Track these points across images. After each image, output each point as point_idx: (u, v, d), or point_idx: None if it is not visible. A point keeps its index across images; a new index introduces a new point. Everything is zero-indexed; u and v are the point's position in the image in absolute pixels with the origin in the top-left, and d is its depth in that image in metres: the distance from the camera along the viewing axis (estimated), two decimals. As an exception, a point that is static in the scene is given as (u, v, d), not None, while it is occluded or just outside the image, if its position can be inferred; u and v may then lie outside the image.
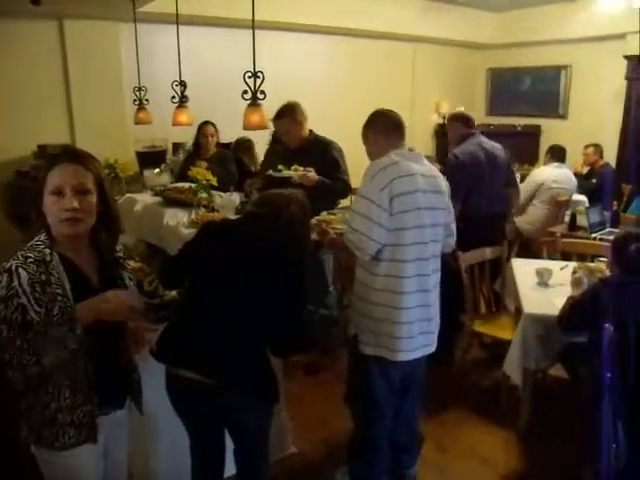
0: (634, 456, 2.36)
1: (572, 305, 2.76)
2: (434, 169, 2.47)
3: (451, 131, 3.96)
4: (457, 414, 3.40)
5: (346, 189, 3.76)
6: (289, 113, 3.69)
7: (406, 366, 2.42)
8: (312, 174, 3.51)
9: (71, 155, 1.65)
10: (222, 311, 1.97)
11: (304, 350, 2.36)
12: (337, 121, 5.87)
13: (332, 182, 3.61)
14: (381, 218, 2.23)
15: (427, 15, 7.28)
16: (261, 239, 2.05)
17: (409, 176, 2.28)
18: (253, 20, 2.88)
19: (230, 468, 2.26)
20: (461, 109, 3.57)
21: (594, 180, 6.00)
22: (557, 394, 3.48)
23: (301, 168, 3.54)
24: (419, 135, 8.14)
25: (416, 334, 2.35)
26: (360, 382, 2.49)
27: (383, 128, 2.43)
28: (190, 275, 2.13)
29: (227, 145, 5.20)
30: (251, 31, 2.89)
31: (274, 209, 2.12)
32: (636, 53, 6.62)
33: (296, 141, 3.77)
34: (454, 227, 2.57)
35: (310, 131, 3.82)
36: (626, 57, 6.73)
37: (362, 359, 2.40)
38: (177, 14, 4.10)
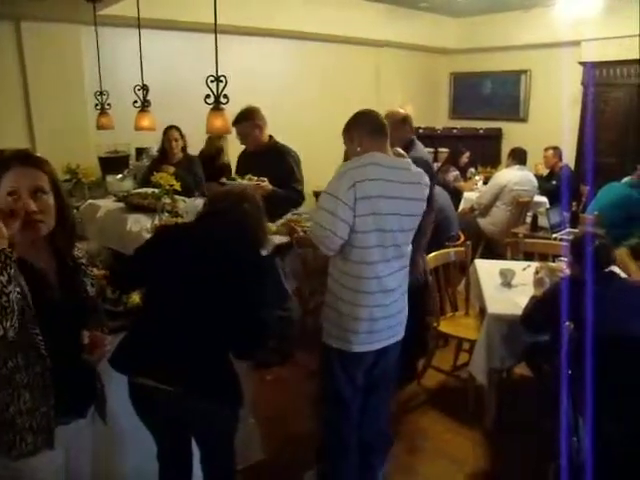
0: (594, 450, 2.42)
1: (534, 305, 2.82)
2: (419, 177, 2.46)
3: (399, 134, 3.27)
4: (426, 415, 3.43)
5: (299, 199, 3.76)
6: (249, 117, 3.68)
7: (367, 359, 2.48)
8: (265, 184, 3.51)
9: (24, 158, 1.62)
10: (179, 315, 1.94)
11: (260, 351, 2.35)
12: (302, 126, 5.91)
13: (286, 192, 3.58)
14: (346, 215, 2.26)
15: (391, 20, 7.36)
16: (213, 239, 2.02)
17: (375, 181, 2.29)
18: (215, 24, 2.86)
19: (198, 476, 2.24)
20: (402, 110, 3.39)
21: (554, 182, 6.13)
22: (522, 392, 3.55)
23: (255, 178, 3.53)
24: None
25: (377, 329, 2.42)
26: (325, 376, 2.56)
27: (369, 129, 2.42)
28: (144, 280, 2.09)
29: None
30: (214, 35, 2.88)
31: (225, 207, 2.09)
32: (590, 60, 6.84)
33: (255, 145, 3.77)
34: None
35: (270, 137, 3.82)
36: (581, 63, 6.93)
37: (326, 350, 2.48)
38: (139, 17, 4.05)
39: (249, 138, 3.75)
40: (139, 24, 4.10)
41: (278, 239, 3.65)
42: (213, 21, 2.88)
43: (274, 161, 3.68)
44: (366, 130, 2.42)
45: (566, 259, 3.43)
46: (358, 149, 2.42)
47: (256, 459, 2.90)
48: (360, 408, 2.60)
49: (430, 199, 2.90)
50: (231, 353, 2.05)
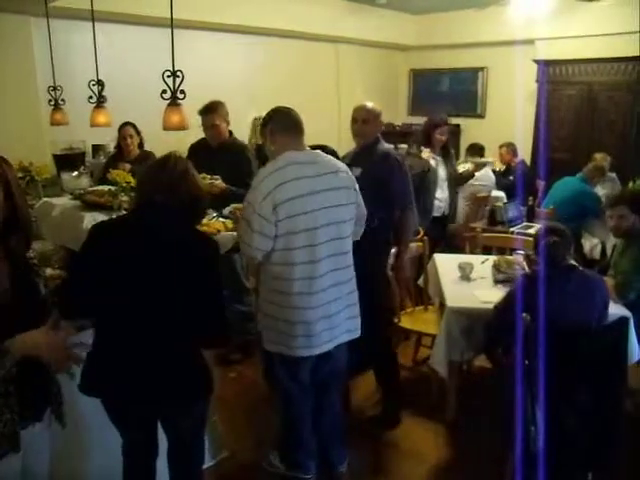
0: (550, 439, 2.48)
1: (496, 312, 2.84)
2: (336, 165, 2.48)
3: (375, 128, 3.28)
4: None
5: None
6: (216, 109, 3.67)
7: (309, 362, 2.47)
8: (219, 182, 3.48)
9: None
10: (139, 316, 1.87)
11: (224, 344, 2.30)
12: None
13: (240, 189, 3.48)
14: (263, 228, 2.26)
15: (349, 16, 7.36)
16: (157, 226, 1.90)
17: (295, 180, 2.29)
18: (172, 18, 2.81)
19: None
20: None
21: (511, 177, 6.25)
22: (482, 384, 3.61)
23: (208, 176, 3.50)
24: (346, 135, 8.20)
25: (315, 332, 2.38)
26: (272, 378, 2.60)
27: (282, 126, 2.42)
28: (94, 290, 1.89)
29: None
30: (174, 29, 2.84)
31: (145, 184, 1.96)
32: (544, 58, 7.00)
33: (218, 139, 3.75)
34: (363, 220, 2.64)
35: (230, 132, 3.81)
36: (535, 61, 7.09)
37: (268, 355, 2.51)
38: (92, 10, 3.94)
39: (214, 131, 3.72)
40: (93, 17, 4.00)
41: (235, 235, 3.63)
42: (169, 15, 2.84)
43: (233, 157, 3.65)
44: (279, 127, 2.42)
45: (524, 253, 3.52)
46: (272, 147, 2.42)
47: (220, 457, 2.88)
48: (314, 407, 2.62)
49: (404, 193, 3.22)
50: (202, 344, 1.99)
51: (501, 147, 6.44)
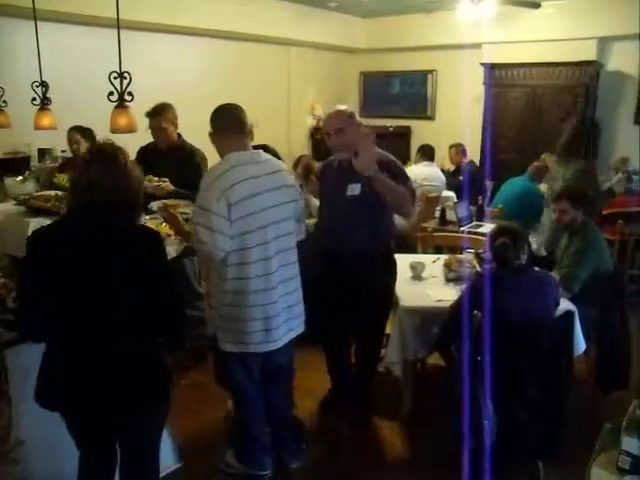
0: (501, 431, 2.54)
1: (450, 313, 2.88)
2: (277, 164, 2.53)
3: (354, 132, 2.94)
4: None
5: None
6: (164, 111, 3.63)
7: (265, 356, 2.53)
8: (166, 184, 3.44)
9: None
10: (92, 321, 1.81)
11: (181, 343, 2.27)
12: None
13: (189, 192, 3.44)
14: (222, 227, 2.28)
15: (300, 19, 7.38)
16: (87, 223, 1.83)
17: (243, 181, 2.31)
18: (118, 19, 2.77)
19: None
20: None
21: (461, 177, 6.37)
22: (437, 381, 3.66)
23: (155, 178, 3.45)
24: (296, 137, 8.25)
25: (273, 327, 2.46)
26: (225, 375, 2.62)
27: (223, 125, 2.42)
28: (48, 301, 1.81)
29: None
30: (122, 31, 2.79)
31: (82, 177, 1.85)
32: (490, 61, 7.18)
33: (166, 141, 3.72)
34: (304, 216, 2.75)
35: (179, 135, 3.78)
36: (482, 64, 7.27)
37: (223, 355, 2.50)
38: (34, 8, 3.83)
39: (162, 133, 3.68)
40: (35, 15, 3.88)
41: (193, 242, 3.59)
42: (115, 15, 2.80)
43: (182, 160, 3.62)
44: (221, 127, 2.43)
45: (474, 252, 3.60)
46: (216, 146, 2.45)
47: (172, 467, 2.82)
48: (263, 398, 2.66)
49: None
50: (160, 342, 1.96)
51: (451, 148, 6.56)
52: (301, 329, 2.65)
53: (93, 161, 1.86)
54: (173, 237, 3.55)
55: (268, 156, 2.52)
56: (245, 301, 2.40)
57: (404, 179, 2.98)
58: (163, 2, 5.76)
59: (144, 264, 1.86)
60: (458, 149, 6.49)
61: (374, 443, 3.15)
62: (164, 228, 3.23)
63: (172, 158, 3.62)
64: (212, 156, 2.76)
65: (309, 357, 3.58)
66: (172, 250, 3.40)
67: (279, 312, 2.48)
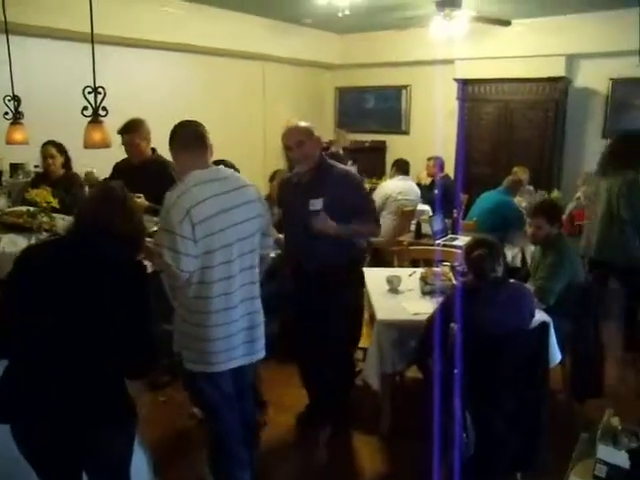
0: (481, 445, 2.55)
1: (426, 327, 2.90)
2: (241, 180, 2.49)
3: (314, 146, 3.02)
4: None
5: None
6: (136, 128, 3.61)
7: (232, 374, 2.50)
8: (141, 200, 3.42)
9: None
10: (62, 344, 1.79)
11: (155, 367, 2.22)
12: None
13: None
14: (188, 248, 2.24)
15: (275, 34, 7.42)
16: (85, 252, 1.85)
17: (207, 200, 2.28)
18: (92, 33, 2.75)
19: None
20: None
21: (436, 191, 6.43)
22: (415, 394, 3.66)
23: (130, 194, 3.43)
24: (272, 153, 8.25)
25: (234, 346, 2.42)
26: (194, 394, 2.61)
27: (182, 143, 2.39)
28: (23, 317, 1.80)
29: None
30: (96, 45, 2.78)
31: (90, 214, 1.90)
32: (463, 77, 7.31)
33: (139, 157, 3.70)
34: (271, 230, 2.75)
35: (153, 150, 3.77)
36: (455, 80, 7.39)
37: (190, 374, 2.46)
38: (5, 21, 3.78)
39: (134, 150, 3.66)
40: (6, 29, 3.84)
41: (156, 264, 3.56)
42: (90, 30, 2.78)
43: (156, 176, 3.60)
44: (180, 144, 2.39)
45: (450, 265, 3.63)
46: (176, 163, 2.43)
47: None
48: (236, 413, 2.62)
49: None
50: (125, 374, 1.94)
51: (429, 160, 6.63)
52: (262, 354, 2.58)
53: (103, 201, 1.91)
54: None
55: (230, 172, 2.50)
56: (207, 321, 2.36)
57: (360, 196, 3.07)
58: (138, 17, 5.74)
59: (125, 302, 1.86)
60: (436, 162, 6.57)
61: (353, 458, 3.13)
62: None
63: (146, 173, 3.60)
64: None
65: (285, 373, 3.58)
66: (149, 265, 3.37)
67: (239, 331, 2.44)
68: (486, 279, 2.74)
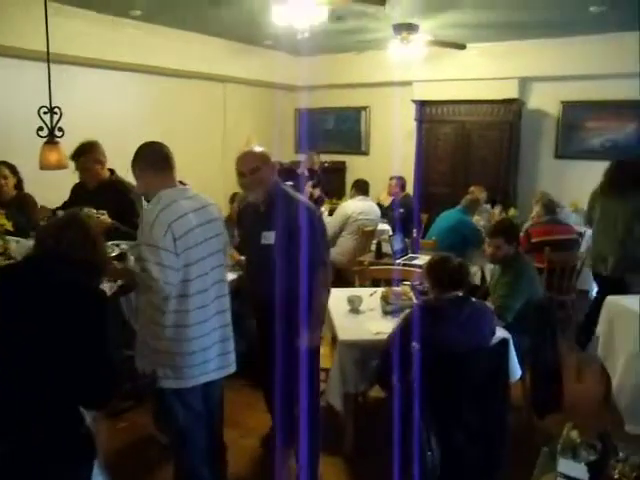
0: (445, 462, 2.56)
1: (389, 342, 2.91)
2: (205, 199, 2.56)
3: (268, 172, 2.85)
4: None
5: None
6: (89, 151, 3.53)
7: (203, 391, 2.51)
8: (104, 217, 3.36)
9: None
10: (15, 375, 1.73)
11: (116, 395, 2.16)
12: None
13: (128, 228, 3.37)
14: (171, 261, 2.30)
15: (235, 56, 7.45)
16: (43, 278, 1.83)
17: (183, 216, 2.36)
18: (48, 52, 2.71)
19: None
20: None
21: (402, 210, 6.50)
22: (378, 414, 3.65)
23: (94, 211, 3.37)
24: (232, 174, 8.18)
25: (211, 357, 2.48)
26: (166, 414, 2.57)
27: (150, 162, 2.44)
28: None
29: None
30: (53, 65, 2.73)
31: (51, 240, 1.90)
32: (420, 98, 7.46)
33: (95, 180, 3.64)
34: (230, 249, 2.90)
35: (111, 172, 3.71)
36: (414, 101, 7.53)
37: (162, 393, 2.46)
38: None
39: (89, 173, 3.59)
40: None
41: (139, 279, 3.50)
42: (45, 49, 2.74)
43: (114, 197, 3.55)
44: (148, 163, 2.45)
45: (410, 284, 3.66)
46: (142, 183, 2.48)
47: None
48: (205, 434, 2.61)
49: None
50: (85, 404, 1.89)
51: (391, 179, 6.70)
52: (233, 368, 2.62)
53: (66, 228, 1.90)
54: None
55: (194, 192, 2.55)
56: (184, 334, 2.39)
57: (312, 236, 2.76)
58: (96, 37, 5.69)
59: (84, 329, 1.81)
60: (399, 182, 6.65)
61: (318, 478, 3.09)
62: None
63: (103, 197, 3.54)
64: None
65: (250, 397, 3.53)
66: (107, 288, 3.30)
67: (213, 344, 2.49)
68: (454, 295, 2.77)
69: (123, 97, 6.58)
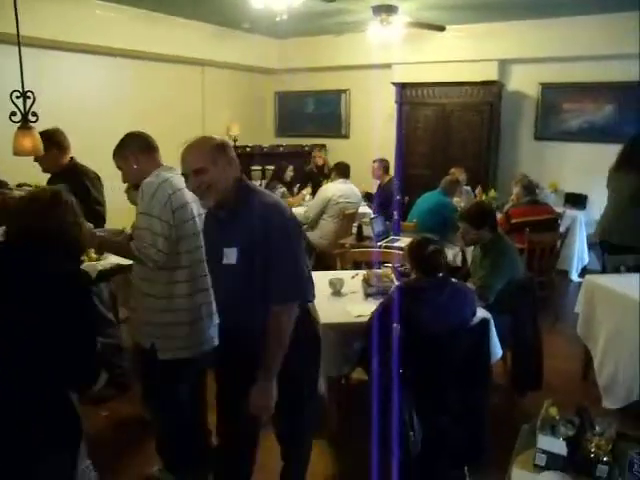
0: (427, 441, 2.58)
1: (383, 304, 2.93)
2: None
3: (221, 171, 2.12)
4: (269, 433, 3.41)
5: (100, 221, 3.64)
6: (46, 138, 3.51)
7: (200, 361, 2.63)
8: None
9: None
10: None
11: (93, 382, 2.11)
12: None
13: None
14: (165, 231, 2.43)
15: (214, 40, 7.36)
16: (25, 261, 1.78)
17: (180, 190, 2.48)
18: (18, 34, 2.65)
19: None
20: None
21: (382, 193, 6.48)
22: (362, 396, 3.67)
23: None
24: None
25: (201, 330, 2.60)
26: (161, 388, 2.65)
27: (143, 147, 2.60)
28: None
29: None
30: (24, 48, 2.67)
31: (35, 219, 1.84)
32: (400, 81, 7.44)
33: (53, 168, 3.66)
34: None
35: (71, 158, 3.72)
36: (394, 84, 7.51)
37: (163, 366, 2.54)
38: None
39: (46, 159, 3.57)
40: None
41: (101, 264, 3.49)
42: (16, 31, 2.67)
43: (70, 181, 3.54)
44: (140, 149, 2.60)
45: (392, 266, 3.67)
46: (135, 167, 2.59)
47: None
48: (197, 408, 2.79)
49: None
50: (68, 387, 1.86)
51: (374, 162, 6.68)
52: (217, 342, 2.52)
53: (53, 206, 1.86)
54: (86, 262, 3.43)
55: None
56: (177, 305, 2.52)
57: (279, 249, 2.11)
58: (69, 20, 5.58)
59: (64, 312, 1.77)
60: (382, 164, 6.63)
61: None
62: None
63: (60, 182, 3.53)
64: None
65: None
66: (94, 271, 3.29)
67: (203, 317, 2.60)
68: (430, 278, 2.78)
69: (99, 81, 6.47)
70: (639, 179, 4.21)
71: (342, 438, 3.27)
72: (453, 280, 2.95)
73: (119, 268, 3.52)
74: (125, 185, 2.95)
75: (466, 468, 2.86)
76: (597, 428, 1.90)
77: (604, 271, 4.30)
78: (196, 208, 2.54)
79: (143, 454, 3.07)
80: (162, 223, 2.41)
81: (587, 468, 1.82)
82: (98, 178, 3.78)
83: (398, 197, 5.89)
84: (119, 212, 3.97)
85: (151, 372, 2.64)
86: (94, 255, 3.50)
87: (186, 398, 2.67)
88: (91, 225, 2.66)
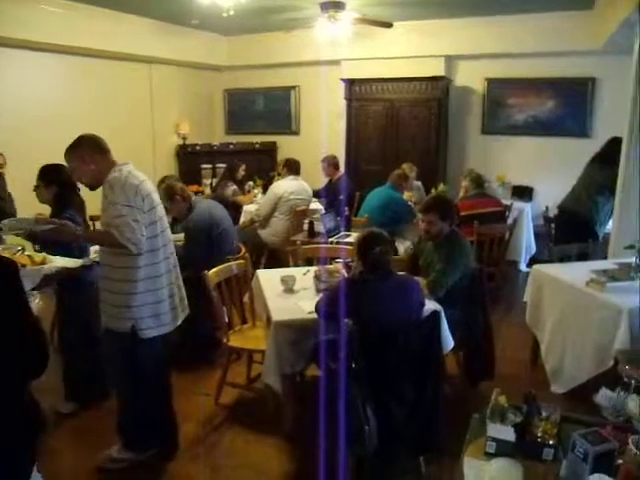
0: (382, 434, 2.59)
1: (326, 295, 2.94)
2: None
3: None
4: (227, 432, 3.37)
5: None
6: None
7: (168, 338, 2.91)
8: None
9: None
10: None
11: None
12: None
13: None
14: (141, 217, 2.64)
15: (161, 36, 7.23)
16: None
17: (144, 181, 2.75)
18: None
19: None
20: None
21: (331, 189, 6.49)
22: (316, 392, 3.65)
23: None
24: (161, 157, 8.04)
25: (175, 306, 2.92)
26: (138, 366, 2.82)
27: (97, 148, 2.75)
28: None
29: None
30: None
31: None
32: (349, 77, 7.46)
33: None
34: None
35: None
36: (342, 80, 7.53)
37: (142, 344, 2.76)
38: None
39: None
40: None
41: (46, 268, 3.36)
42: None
43: None
44: (95, 149, 2.74)
45: (343, 261, 3.66)
46: (92, 167, 2.71)
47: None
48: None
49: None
50: (18, 372, 1.76)
51: (323, 160, 6.67)
52: (188, 310, 3.06)
53: None
54: (30, 267, 3.29)
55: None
56: (159, 283, 2.79)
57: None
58: (13, 14, 5.37)
59: (6, 299, 1.65)
60: (331, 161, 6.63)
61: (260, 460, 3.09)
62: (20, 258, 3.00)
63: None
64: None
65: (187, 381, 3.47)
66: (28, 282, 3.14)
67: (176, 292, 2.93)
68: (374, 272, 2.79)
69: (44, 79, 6.29)
70: (612, 173, 4.67)
71: (297, 435, 3.24)
72: (397, 273, 2.97)
73: (65, 271, 3.40)
74: (31, 183, 3.23)
75: (421, 459, 2.89)
76: (543, 413, 1.94)
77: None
78: (156, 197, 2.82)
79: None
80: (138, 211, 2.61)
81: (534, 452, 1.85)
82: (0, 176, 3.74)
83: (342, 197, 5.87)
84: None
85: (128, 353, 2.78)
86: (37, 259, 3.37)
87: (160, 369, 2.93)
88: (71, 224, 2.81)
